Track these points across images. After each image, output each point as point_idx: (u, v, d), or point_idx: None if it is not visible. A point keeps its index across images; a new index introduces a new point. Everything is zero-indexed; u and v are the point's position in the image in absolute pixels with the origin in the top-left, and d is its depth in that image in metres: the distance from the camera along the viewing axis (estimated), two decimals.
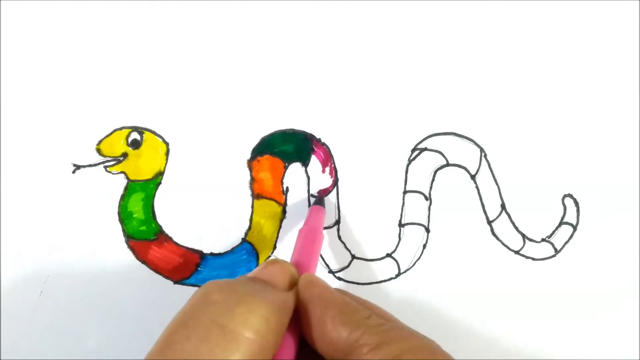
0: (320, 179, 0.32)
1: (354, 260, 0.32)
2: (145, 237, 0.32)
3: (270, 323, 0.20)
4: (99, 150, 0.32)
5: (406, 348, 0.20)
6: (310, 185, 0.32)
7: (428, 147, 0.32)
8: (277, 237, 0.32)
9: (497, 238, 0.32)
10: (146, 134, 0.32)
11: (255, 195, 0.32)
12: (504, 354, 0.32)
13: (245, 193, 0.32)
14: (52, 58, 0.32)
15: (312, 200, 0.32)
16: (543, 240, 0.32)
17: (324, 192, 0.32)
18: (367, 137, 0.32)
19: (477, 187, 0.32)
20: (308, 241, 0.27)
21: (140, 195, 0.32)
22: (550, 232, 0.32)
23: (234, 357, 0.19)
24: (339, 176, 0.32)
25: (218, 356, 0.18)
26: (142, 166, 0.32)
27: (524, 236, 0.32)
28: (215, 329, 0.19)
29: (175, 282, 0.32)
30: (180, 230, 0.32)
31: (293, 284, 0.23)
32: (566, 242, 0.32)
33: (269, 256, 0.32)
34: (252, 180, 0.32)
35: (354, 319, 0.21)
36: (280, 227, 0.32)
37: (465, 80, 0.33)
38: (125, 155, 0.32)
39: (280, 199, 0.32)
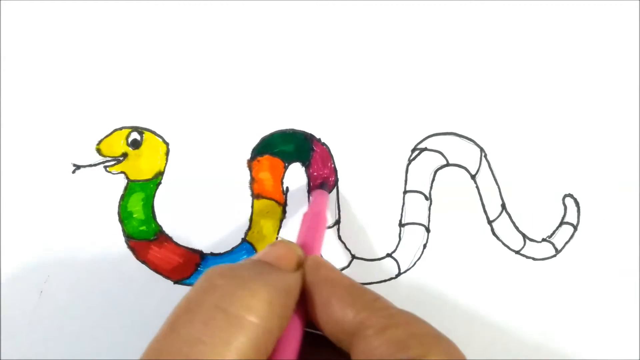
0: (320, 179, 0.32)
1: (354, 260, 0.32)
2: (145, 237, 0.32)
3: (273, 306, 0.20)
4: (99, 150, 0.32)
5: (412, 332, 0.20)
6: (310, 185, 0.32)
7: (428, 147, 0.32)
8: (277, 237, 0.32)
9: (498, 238, 0.32)
10: (146, 134, 0.32)
11: (255, 195, 0.32)
12: (503, 353, 0.32)
13: (245, 193, 0.32)
14: (52, 58, 0.32)
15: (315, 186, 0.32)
16: (544, 240, 0.32)
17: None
18: (367, 137, 0.32)
19: (477, 187, 0.32)
20: (313, 224, 0.27)
21: (140, 195, 0.32)
22: (551, 232, 0.32)
23: (237, 340, 0.18)
24: (339, 176, 0.32)
25: (221, 340, 0.18)
26: (142, 166, 0.32)
27: (524, 236, 0.32)
28: (218, 313, 0.19)
29: (175, 282, 0.32)
30: (180, 230, 0.32)
31: (299, 265, 0.23)
32: (567, 242, 0.32)
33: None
34: (252, 180, 0.32)
35: (361, 300, 0.21)
36: (280, 227, 0.32)
37: (465, 80, 0.33)
38: (125, 155, 0.32)
39: (280, 199, 0.32)
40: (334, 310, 0.21)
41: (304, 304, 0.22)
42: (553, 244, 0.32)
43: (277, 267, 0.22)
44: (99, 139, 0.32)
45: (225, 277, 0.20)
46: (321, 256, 0.25)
